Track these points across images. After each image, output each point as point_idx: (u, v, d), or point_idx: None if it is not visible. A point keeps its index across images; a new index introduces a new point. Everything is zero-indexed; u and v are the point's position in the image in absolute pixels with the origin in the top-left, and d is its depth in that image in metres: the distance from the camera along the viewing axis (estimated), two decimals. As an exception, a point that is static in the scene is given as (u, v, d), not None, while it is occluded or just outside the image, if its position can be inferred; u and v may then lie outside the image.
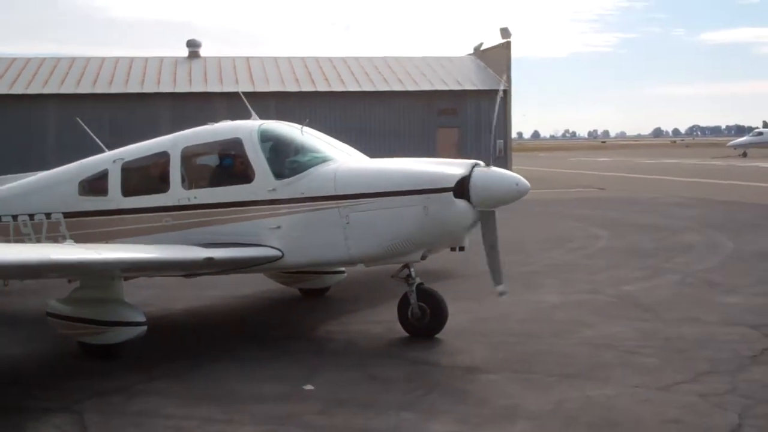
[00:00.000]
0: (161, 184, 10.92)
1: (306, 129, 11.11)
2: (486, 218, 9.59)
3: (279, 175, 10.27)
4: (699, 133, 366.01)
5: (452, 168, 9.73)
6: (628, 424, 7.03)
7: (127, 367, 9.13)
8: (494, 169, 9.72)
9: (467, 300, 12.01)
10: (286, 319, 11.86)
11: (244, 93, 13.53)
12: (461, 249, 10.16)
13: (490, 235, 9.64)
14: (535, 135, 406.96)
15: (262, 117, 11.83)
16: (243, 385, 8.41)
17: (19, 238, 11.81)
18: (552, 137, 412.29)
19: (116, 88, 42.46)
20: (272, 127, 11.07)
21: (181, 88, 43.09)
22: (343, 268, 12.69)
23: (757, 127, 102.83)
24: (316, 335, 10.76)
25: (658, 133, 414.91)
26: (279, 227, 10.15)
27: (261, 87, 42.63)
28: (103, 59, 46.42)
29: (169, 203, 10.72)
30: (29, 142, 39.55)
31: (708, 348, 9.39)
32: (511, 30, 46.17)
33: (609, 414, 7.29)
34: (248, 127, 10.83)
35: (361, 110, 43.65)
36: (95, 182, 11.40)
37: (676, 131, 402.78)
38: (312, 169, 10.26)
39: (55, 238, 11.38)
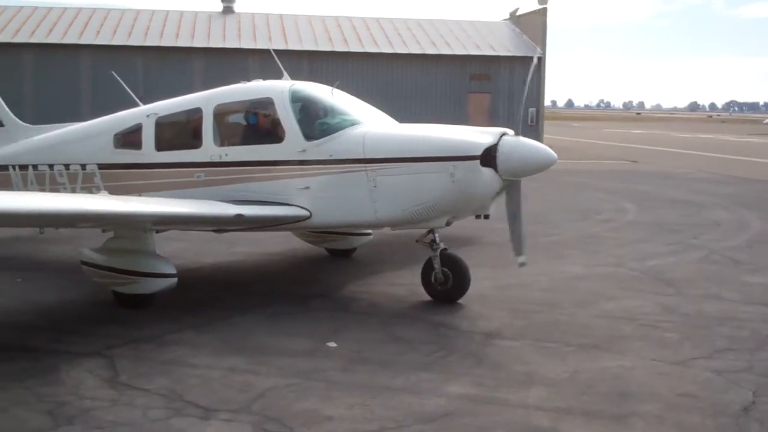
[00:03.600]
0: (194, 140, 11.10)
1: (336, 91, 11.21)
2: (511, 187, 9.64)
3: (309, 136, 10.39)
4: (736, 108, 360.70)
5: (480, 136, 9.77)
6: (643, 395, 7.14)
7: (157, 317, 9.40)
8: (522, 138, 9.77)
9: (490, 267, 12.15)
10: (312, 278, 12.06)
11: (277, 51, 13.62)
12: (486, 217, 10.25)
13: (513, 204, 9.67)
14: (569, 104, 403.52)
15: (294, 76, 11.95)
16: (269, 339, 8.65)
17: (55, 187, 12.10)
18: (586, 107, 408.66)
19: (151, 41, 42.70)
20: (303, 88, 11.17)
21: (215, 43, 43.26)
22: (369, 231, 12.85)
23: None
24: (342, 295, 10.95)
25: (694, 106, 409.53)
26: (307, 188, 10.30)
27: (294, 45, 42.70)
28: (138, 11, 46.65)
29: (201, 159, 10.91)
30: (64, 93, 39.99)
31: (727, 325, 9.46)
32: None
33: (624, 385, 7.41)
34: (279, 88, 10.95)
35: (393, 72, 43.58)
36: (129, 136, 11.62)
37: (712, 105, 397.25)
38: (341, 132, 10.37)
39: (89, 188, 11.66)
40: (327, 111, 10.90)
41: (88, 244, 10.53)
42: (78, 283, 10.66)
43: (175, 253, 12.00)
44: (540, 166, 9.67)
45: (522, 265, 9.94)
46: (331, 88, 11.19)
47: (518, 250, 9.79)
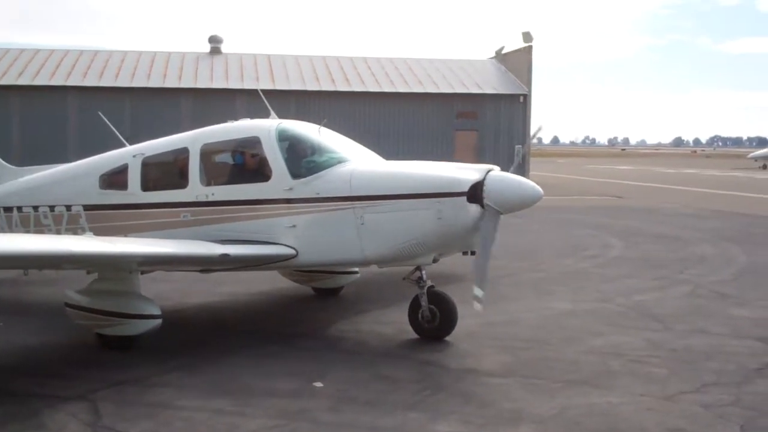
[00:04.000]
0: (180, 179, 11.10)
1: (323, 129, 11.25)
2: (490, 219, 9.47)
3: (296, 174, 10.41)
4: (720, 143, 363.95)
5: (466, 172, 9.80)
6: (631, 431, 7.11)
7: (142, 359, 9.32)
8: (508, 175, 9.83)
9: (473, 300, 12.09)
10: (299, 317, 12.01)
11: (265, 91, 13.71)
12: (473, 253, 10.23)
13: (488, 236, 9.47)
14: (555, 140, 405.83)
15: (282, 115, 11.99)
16: (255, 380, 8.58)
17: (39, 228, 12.06)
18: (572, 143, 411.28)
19: (138, 82, 42.82)
20: (290, 127, 11.22)
21: (202, 83, 43.43)
22: (356, 269, 12.83)
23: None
24: (328, 334, 10.90)
25: (678, 142, 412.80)
26: (294, 226, 10.29)
27: (281, 85, 42.91)
28: (125, 53, 46.82)
29: (188, 199, 10.90)
30: (51, 134, 40.02)
31: (715, 360, 9.46)
32: (533, 34, 46.29)
33: (612, 421, 7.39)
34: (266, 126, 10.99)
35: (380, 111, 43.84)
36: (115, 176, 11.61)
37: (696, 140, 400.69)
38: (328, 170, 10.39)
39: (74, 230, 11.60)
40: (314, 149, 10.93)
41: (72, 286, 10.45)
42: (62, 326, 10.56)
43: (160, 294, 11.94)
44: (526, 202, 9.71)
45: (478, 300, 9.33)
46: (318, 126, 11.24)
47: (480, 283, 9.40)
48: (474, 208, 9.54)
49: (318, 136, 11.12)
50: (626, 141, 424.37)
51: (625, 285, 14.39)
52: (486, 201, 9.48)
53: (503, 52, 50.12)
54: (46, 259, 8.75)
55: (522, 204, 9.74)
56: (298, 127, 11.36)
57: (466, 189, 9.56)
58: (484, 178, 9.59)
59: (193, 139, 11.32)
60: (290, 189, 10.35)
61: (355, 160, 10.68)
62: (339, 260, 10.66)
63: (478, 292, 9.33)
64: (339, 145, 11.15)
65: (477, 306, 9.34)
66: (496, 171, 9.76)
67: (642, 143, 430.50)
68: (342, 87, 44.36)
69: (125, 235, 10.92)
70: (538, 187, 9.77)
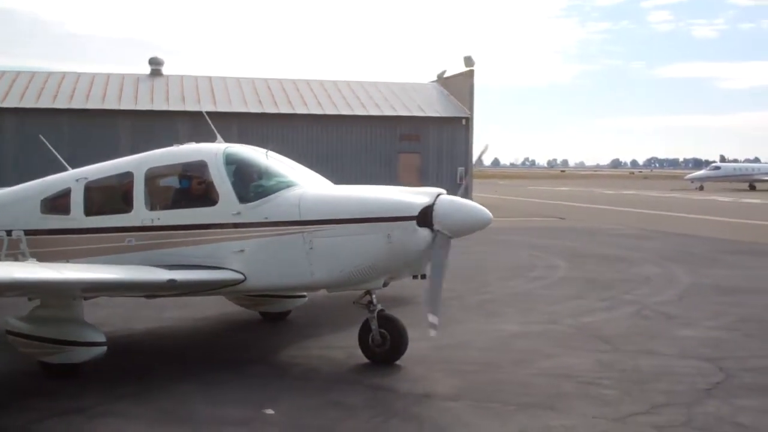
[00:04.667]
0: (125, 204, 10.86)
1: (271, 153, 11.13)
2: (442, 244, 9.49)
3: (243, 198, 10.28)
4: (657, 165, 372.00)
5: (416, 197, 9.81)
6: (586, 454, 7.13)
7: (87, 388, 9.05)
8: (458, 199, 9.85)
9: (426, 327, 12.03)
10: (247, 343, 11.82)
11: (207, 113, 13.53)
12: (423, 277, 10.20)
13: (439, 261, 9.46)
14: (495, 162, 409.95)
15: (224, 138, 11.84)
16: (205, 408, 8.40)
17: (-21, 254, 11.64)
18: (512, 165, 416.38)
19: (76, 104, 42.10)
20: (237, 151, 11.09)
21: (143, 105, 42.88)
22: (304, 293, 12.69)
23: (714, 161, 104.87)
24: (278, 359, 10.74)
25: (616, 163, 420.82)
26: (242, 251, 10.14)
27: (223, 107, 42.60)
28: (63, 74, 46.05)
29: (132, 224, 10.67)
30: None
31: (664, 380, 9.54)
32: (474, 59, 46.82)
33: (567, 444, 7.39)
34: (213, 150, 10.84)
35: (323, 133, 43.80)
36: (57, 200, 11.31)
37: (634, 162, 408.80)
38: (277, 194, 10.28)
39: (15, 255, 11.25)
40: (262, 173, 10.82)
41: (12, 313, 10.11)
42: (4, 354, 10.20)
43: (102, 320, 11.62)
44: (476, 226, 9.73)
45: (433, 327, 9.21)
46: (265, 150, 11.12)
47: (434, 309, 9.29)
48: (424, 232, 9.53)
49: (266, 160, 11.00)
50: (565, 163, 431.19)
51: (572, 306, 14.49)
52: (436, 225, 9.49)
53: (445, 75, 50.62)
54: None
55: (472, 228, 9.78)
56: (246, 151, 11.24)
57: (416, 213, 9.56)
58: (434, 202, 9.59)
59: (138, 163, 11.10)
60: (238, 213, 10.21)
61: (304, 184, 10.60)
62: (288, 285, 10.56)
63: (432, 318, 9.24)
64: (287, 169, 11.05)
65: (432, 332, 9.26)
66: (445, 195, 9.77)
67: (581, 165, 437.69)
68: (285, 109, 44.22)
69: (68, 261, 10.64)
70: (487, 211, 9.81)
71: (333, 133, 44.08)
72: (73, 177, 11.43)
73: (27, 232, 11.39)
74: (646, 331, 12.42)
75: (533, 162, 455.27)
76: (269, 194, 10.29)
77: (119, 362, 10.05)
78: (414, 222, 9.53)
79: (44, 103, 41.65)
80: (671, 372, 9.94)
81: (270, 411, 8.30)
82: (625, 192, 74.52)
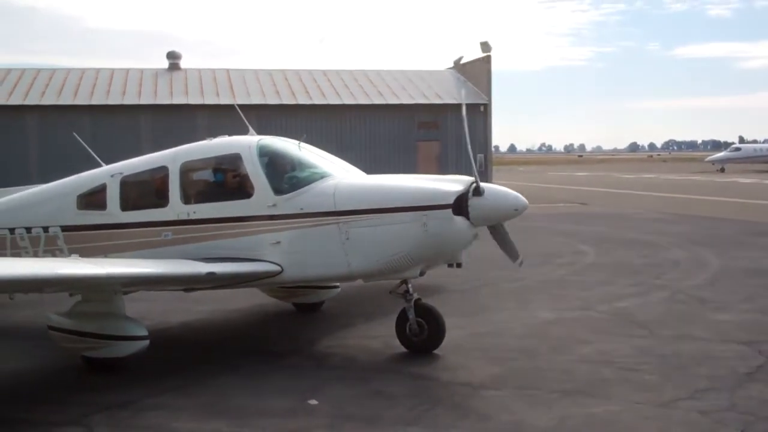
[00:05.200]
0: (160, 198, 10.94)
1: (303, 144, 11.17)
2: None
3: (278, 190, 10.33)
4: (675, 147, 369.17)
5: (450, 185, 9.82)
6: (634, 440, 7.14)
7: (131, 381, 9.15)
8: (493, 185, 9.86)
9: (463, 315, 12.13)
10: (283, 334, 11.89)
11: (226, 106, 13.63)
12: (458, 265, 10.24)
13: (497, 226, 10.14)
14: (512, 148, 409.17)
15: (243, 130, 11.86)
16: (248, 399, 8.46)
17: (16, 251, 11.76)
18: (528, 151, 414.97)
19: (97, 100, 42.26)
20: (271, 143, 11.12)
21: (162, 99, 42.94)
22: (337, 283, 12.74)
23: (734, 143, 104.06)
24: (315, 350, 10.79)
25: (634, 147, 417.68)
26: (279, 242, 10.19)
27: (242, 99, 42.50)
28: (83, 71, 46.17)
29: (168, 218, 10.75)
30: (10, 154, 39.25)
31: (705, 365, 9.51)
32: (490, 44, 46.60)
33: (614, 430, 7.39)
34: (247, 143, 10.88)
35: (341, 123, 43.69)
36: (93, 196, 11.40)
37: (652, 146, 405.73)
38: (311, 185, 10.33)
39: (52, 251, 11.38)
40: (296, 165, 10.85)
41: (54, 309, 10.22)
42: (47, 349, 10.34)
43: (140, 314, 11.68)
44: (512, 213, 9.75)
45: (521, 264, 10.68)
46: (298, 141, 11.16)
47: (514, 254, 10.46)
48: (459, 220, 9.55)
49: (299, 152, 11.04)
50: (582, 147, 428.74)
51: (604, 292, 14.46)
52: (472, 213, 9.51)
53: (462, 62, 50.42)
54: (33, 282, 8.53)
55: (508, 214, 9.82)
56: (279, 143, 11.27)
57: (451, 201, 9.57)
58: (468, 190, 9.61)
59: (172, 157, 11.16)
60: (273, 205, 10.26)
61: (338, 175, 10.63)
62: (325, 275, 10.60)
63: (519, 260, 10.64)
64: (320, 159, 11.08)
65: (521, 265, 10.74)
66: (480, 182, 9.77)
67: (598, 149, 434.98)
68: (303, 100, 44.21)
69: (105, 256, 10.73)
70: (523, 197, 9.83)
71: (351, 122, 44.01)
72: (108, 173, 11.50)
73: (64, 228, 11.48)
74: (681, 315, 12.38)
75: (550, 147, 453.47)
76: (304, 185, 10.34)
77: (161, 356, 10.14)
78: (449, 210, 9.55)
79: (65, 99, 41.84)
80: (711, 356, 9.90)
81: (314, 401, 8.34)
82: (645, 175, 74.14)
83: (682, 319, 12.06)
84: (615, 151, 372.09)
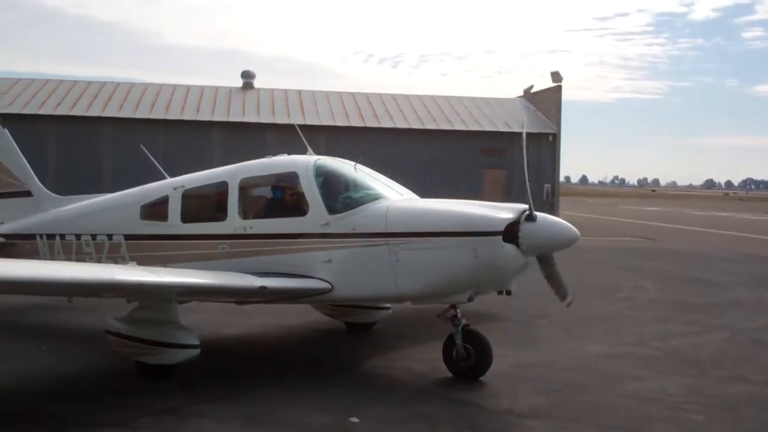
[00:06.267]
0: (219, 212, 11.23)
1: (359, 166, 11.33)
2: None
3: (332, 209, 10.50)
4: (753, 186, 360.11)
5: (502, 212, 9.84)
6: (672, 478, 7.04)
7: (179, 388, 9.39)
8: (545, 215, 9.84)
9: (512, 344, 12.08)
10: (332, 352, 12.02)
11: (292, 125, 13.89)
12: (508, 293, 10.24)
13: (548, 261, 9.93)
14: (583, 180, 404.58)
15: (312, 150, 12.07)
16: (291, 413, 8.59)
17: (81, 256, 12.23)
18: (600, 183, 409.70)
19: (172, 115, 43.39)
20: (327, 163, 11.32)
21: (235, 117, 43.91)
22: (389, 305, 12.83)
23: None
24: (362, 369, 10.90)
25: (710, 184, 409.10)
26: (330, 261, 10.35)
27: (311, 120, 43.27)
28: (160, 86, 47.58)
29: (226, 231, 11.02)
30: (85, 164, 40.54)
31: (754, 408, 9.31)
32: (562, 74, 46.42)
33: (652, 467, 7.31)
34: (304, 162, 11.11)
35: (409, 147, 43.98)
36: (156, 207, 11.77)
37: (728, 183, 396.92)
38: (364, 206, 10.47)
39: (115, 258, 11.78)
40: (350, 185, 11.02)
41: (112, 313, 10.55)
42: (101, 353, 10.67)
43: (194, 324, 11.94)
44: (563, 243, 9.72)
45: (569, 304, 10.33)
46: (354, 163, 11.33)
47: (563, 293, 10.14)
48: (510, 248, 9.55)
49: (354, 173, 11.20)
50: (656, 182, 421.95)
51: (660, 328, 14.24)
52: (522, 241, 9.52)
53: (532, 91, 50.31)
54: (92, 286, 8.86)
55: (559, 245, 9.79)
56: (335, 164, 11.46)
57: (502, 228, 9.59)
58: (519, 218, 9.62)
59: (232, 173, 11.45)
60: (326, 224, 10.43)
61: (391, 197, 10.76)
62: (373, 295, 10.70)
63: (568, 300, 10.29)
64: (375, 181, 11.22)
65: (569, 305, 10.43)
66: (532, 211, 9.76)
67: (672, 185, 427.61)
68: (371, 123, 44.66)
69: (164, 265, 11.03)
70: (574, 228, 9.80)
71: (418, 146, 44.26)
72: (171, 185, 11.86)
73: (126, 237, 11.89)
74: (737, 356, 12.12)
75: (623, 180, 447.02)
76: (357, 206, 10.48)
77: (210, 365, 10.36)
78: (500, 237, 9.57)
79: (142, 113, 43.06)
80: (762, 400, 9.67)
81: (355, 419, 8.43)
82: (718, 214, 72.50)
83: (737, 361, 11.80)
84: (690, 187, 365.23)
